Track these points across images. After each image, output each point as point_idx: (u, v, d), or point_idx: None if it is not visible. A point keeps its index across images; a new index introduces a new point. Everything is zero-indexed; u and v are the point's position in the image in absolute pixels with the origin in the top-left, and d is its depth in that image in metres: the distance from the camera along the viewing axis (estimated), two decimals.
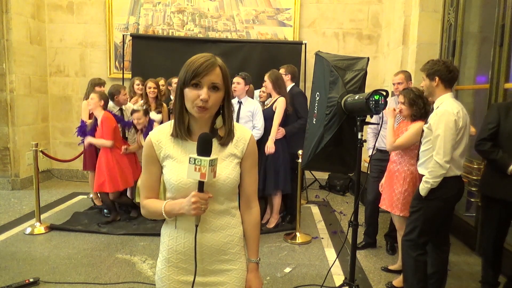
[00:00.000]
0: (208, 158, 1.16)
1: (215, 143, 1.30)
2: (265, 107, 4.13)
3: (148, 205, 1.34)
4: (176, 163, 1.29)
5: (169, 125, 1.34)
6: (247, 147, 1.36)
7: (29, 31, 5.67)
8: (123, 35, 5.92)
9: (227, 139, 1.31)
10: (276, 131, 3.93)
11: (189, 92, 1.24)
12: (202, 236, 1.31)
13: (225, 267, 1.36)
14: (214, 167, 1.19)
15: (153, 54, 5.61)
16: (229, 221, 1.35)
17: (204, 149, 1.18)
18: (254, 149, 1.38)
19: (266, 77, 4.03)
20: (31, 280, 2.90)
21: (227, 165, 1.31)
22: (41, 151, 4.21)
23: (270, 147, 3.88)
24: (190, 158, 1.17)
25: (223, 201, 1.33)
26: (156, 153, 1.32)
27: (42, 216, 4.12)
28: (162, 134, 1.33)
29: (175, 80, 4.49)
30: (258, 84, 4.49)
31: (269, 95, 4.19)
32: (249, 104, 3.96)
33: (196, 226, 1.23)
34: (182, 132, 1.29)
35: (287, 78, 4.30)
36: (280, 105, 3.93)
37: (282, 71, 4.28)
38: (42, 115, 6.07)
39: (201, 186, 1.20)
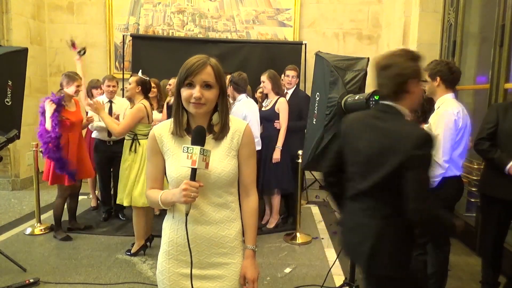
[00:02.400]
0: (199, 147, 1.25)
1: (210, 138, 1.36)
2: (264, 109, 4.10)
3: (150, 195, 1.41)
4: (176, 158, 1.35)
5: (171, 121, 1.40)
6: (242, 137, 1.40)
7: (29, 31, 5.67)
8: (123, 36, 5.92)
9: (221, 133, 1.37)
10: (283, 138, 3.91)
11: (184, 92, 1.31)
12: (200, 228, 1.35)
13: (223, 260, 1.39)
14: (206, 157, 1.25)
15: (153, 54, 5.60)
16: (228, 215, 1.39)
17: (197, 139, 1.28)
18: (249, 140, 1.42)
19: (265, 78, 3.99)
20: (31, 280, 2.90)
21: (222, 158, 1.36)
22: (41, 152, 4.21)
23: (275, 159, 3.91)
24: (183, 147, 1.26)
25: (221, 194, 1.37)
26: (159, 146, 1.39)
27: (42, 217, 4.12)
28: (164, 129, 1.40)
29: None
30: (258, 85, 4.47)
31: (266, 96, 4.16)
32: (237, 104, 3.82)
33: (186, 214, 1.28)
34: (179, 129, 1.35)
35: (296, 80, 4.31)
36: (283, 107, 3.91)
37: (293, 73, 4.26)
38: None
39: (193, 174, 1.26)
